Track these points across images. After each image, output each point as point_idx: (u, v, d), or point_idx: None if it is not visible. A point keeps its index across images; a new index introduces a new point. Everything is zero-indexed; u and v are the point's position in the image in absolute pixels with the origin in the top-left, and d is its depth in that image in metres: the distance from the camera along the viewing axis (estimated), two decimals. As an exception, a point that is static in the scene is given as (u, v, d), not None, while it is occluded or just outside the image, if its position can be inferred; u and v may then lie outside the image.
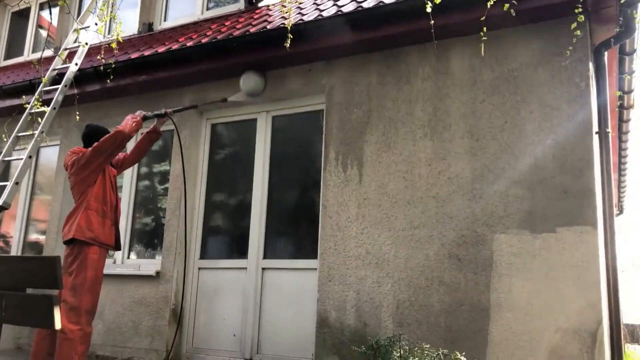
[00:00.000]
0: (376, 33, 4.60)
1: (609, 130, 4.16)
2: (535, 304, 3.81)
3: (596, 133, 4.06)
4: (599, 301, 3.65)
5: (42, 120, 4.89)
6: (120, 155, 4.28)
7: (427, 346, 3.55)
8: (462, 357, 3.29)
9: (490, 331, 3.90)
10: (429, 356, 3.29)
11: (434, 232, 4.24)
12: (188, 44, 5.45)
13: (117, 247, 3.99)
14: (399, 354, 3.33)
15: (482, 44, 4.08)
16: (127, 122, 3.86)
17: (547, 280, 3.81)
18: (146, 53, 5.66)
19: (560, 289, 3.76)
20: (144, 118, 4.05)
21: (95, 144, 3.80)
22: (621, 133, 6.44)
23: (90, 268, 3.66)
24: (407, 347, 3.52)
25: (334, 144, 4.83)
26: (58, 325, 2.42)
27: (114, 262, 5.88)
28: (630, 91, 5.23)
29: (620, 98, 5.34)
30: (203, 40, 5.38)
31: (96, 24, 5.41)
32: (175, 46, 5.55)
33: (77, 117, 5.66)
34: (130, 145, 4.88)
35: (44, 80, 5.26)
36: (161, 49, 5.61)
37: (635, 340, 12.49)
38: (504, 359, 3.81)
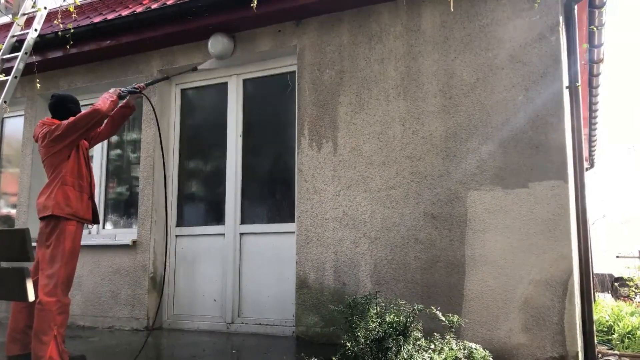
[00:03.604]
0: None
1: (579, 84, 4.18)
2: (508, 258, 3.90)
3: (566, 87, 4.08)
4: (569, 253, 3.75)
5: (3, 90, 4.72)
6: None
7: (403, 302, 3.63)
8: (436, 312, 3.36)
9: (466, 286, 3.99)
10: (404, 312, 3.36)
11: (409, 192, 4.27)
12: (153, 7, 5.25)
13: (95, 220, 3.96)
14: (375, 311, 3.39)
15: (452, 0, 4.03)
16: (105, 100, 3.78)
17: (519, 235, 3.89)
18: (109, 17, 5.45)
19: (532, 243, 3.85)
20: (120, 96, 3.98)
21: (72, 119, 3.73)
22: (591, 87, 6.50)
23: (68, 239, 3.62)
24: (384, 304, 3.58)
25: (307, 106, 4.78)
26: (31, 297, 2.40)
27: (89, 233, 5.82)
28: (600, 45, 5.24)
29: (590, 52, 5.36)
30: (168, 2, 5.20)
31: (53, -14, 5.19)
32: (139, 9, 5.35)
33: (38, 85, 5.48)
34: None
35: (0, 47, 5.05)
36: (125, 12, 5.41)
37: (606, 289, 12.98)
38: (479, 312, 3.92)
